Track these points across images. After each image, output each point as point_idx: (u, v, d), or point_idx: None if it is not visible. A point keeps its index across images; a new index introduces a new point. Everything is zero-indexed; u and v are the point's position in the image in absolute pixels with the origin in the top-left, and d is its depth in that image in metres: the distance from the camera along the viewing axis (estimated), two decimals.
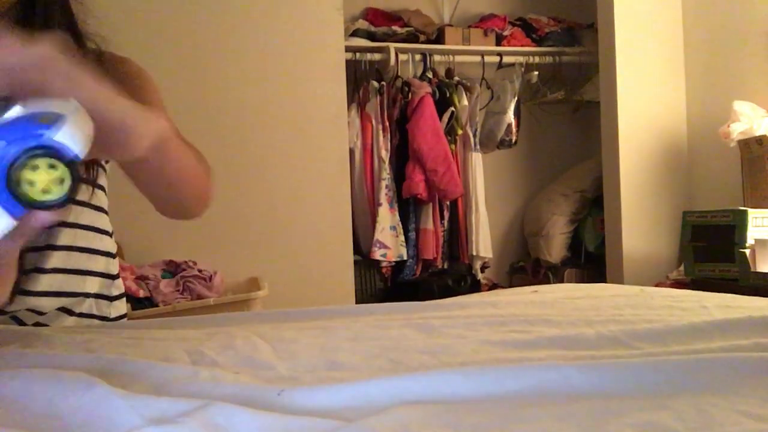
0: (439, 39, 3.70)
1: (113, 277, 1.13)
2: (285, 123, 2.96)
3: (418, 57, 3.64)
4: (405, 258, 3.47)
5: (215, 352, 0.77)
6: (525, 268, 4.01)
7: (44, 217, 0.50)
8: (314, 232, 2.98)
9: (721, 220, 2.63)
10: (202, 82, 2.85)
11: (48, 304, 1.03)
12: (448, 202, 3.59)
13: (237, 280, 2.76)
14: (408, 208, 3.53)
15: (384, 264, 3.46)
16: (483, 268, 3.72)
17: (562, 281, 3.73)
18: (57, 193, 0.48)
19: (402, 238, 3.47)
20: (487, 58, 3.72)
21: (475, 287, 3.59)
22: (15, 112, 0.49)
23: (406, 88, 3.50)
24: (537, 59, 3.81)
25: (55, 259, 1.02)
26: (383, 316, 1.00)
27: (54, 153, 0.47)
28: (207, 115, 2.86)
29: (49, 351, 0.77)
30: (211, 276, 2.60)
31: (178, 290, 2.50)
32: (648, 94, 3.25)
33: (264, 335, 0.84)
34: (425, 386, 0.63)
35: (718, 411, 0.57)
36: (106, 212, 1.11)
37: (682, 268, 2.90)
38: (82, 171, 0.63)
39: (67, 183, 0.48)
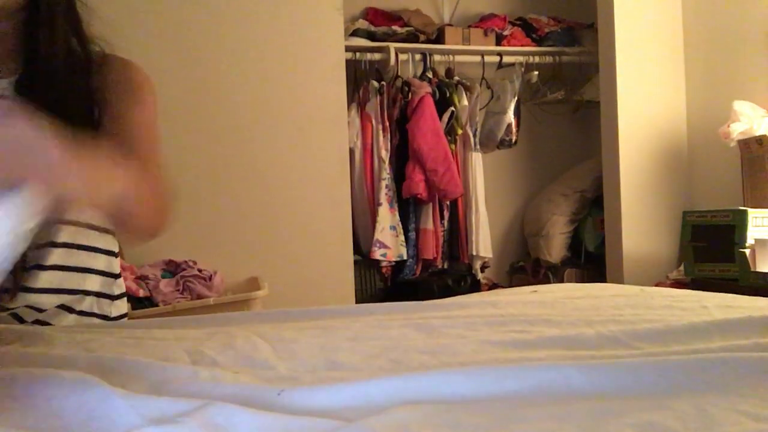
0: (439, 39, 3.70)
1: (115, 276, 1.13)
2: (285, 123, 2.96)
3: (418, 57, 3.64)
4: (405, 258, 3.47)
5: (215, 352, 0.77)
6: (525, 268, 4.01)
7: None
8: (314, 232, 2.98)
9: (721, 220, 2.63)
10: (201, 81, 2.85)
11: (48, 301, 1.03)
12: (448, 202, 3.59)
13: (237, 279, 2.76)
14: (408, 208, 3.53)
15: (384, 264, 3.45)
16: (483, 268, 3.72)
17: (562, 281, 3.73)
18: None
19: (402, 237, 3.47)
20: (487, 58, 3.72)
21: (475, 287, 3.59)
22: None
23: (406, 88, 3.50)
24: (537, 59, 3.81)
25: (55, 256, 1.02)
26: (383, 316, 1.00)
27: None
28: (207, 115, 2.86)
29: (50, 350, 0.77)
30: (211, 276, 2.60)
31: (178, 290, 2.50)
32: (648, 94, 3.24)
33: (264, 335, 0.84)
34: (425, 386, 0.63)
35: (718, 411, 0.57)
36: None
37: (682, 268, 2.90)
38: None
39: None
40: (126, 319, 1.18)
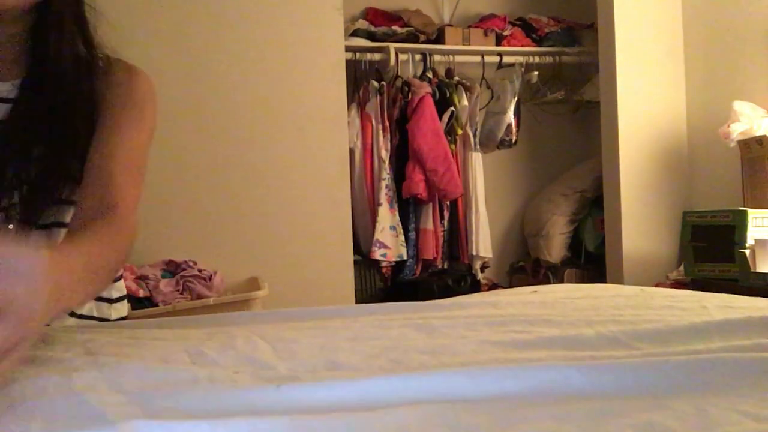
0: (439, 39, 3.70)
1: (113, 280, 1.12)
2: (285, 123, 2.96)
3: (418, 57, 3.64)
4: (405, 258, 3.47)
5: (215, 352, 0.77)
6: (525, 268, 4.01)
7: None
8: (314, 232, 2.98)
9: (721, 221, 2.63)
10: (201, 82, 2.85)
11: None
12: (448, 202, 3.59)
13: (237, 279, 2.76)
14: (408, 208, 3.53)
15: (384, 264, 3.45)
16: (483, 268, 3.72)
17: (561, 281, 3.73)
18: None
19: (402, 238, 3.47)
20: (487, 58, 3.72)
21: (475, 287, 3.59)
22: None
23: (406, 88, 3.50)
24: (537, 59, 3.81)
25: None
26: (383, 316, 1.00)
27: None
28: (207, 115, 2.86)
29: (49, 350, 0.77)
30: (211, 276, 2.60)
31: (178, 290, 2.50)
32: (648, 94, 3.24)
33: (264, 335, 0.84)
34: (425, 386, 0.63)
35: (718, 411, 0.57)
36: None
37: (682, 268, 2.90)
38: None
39: None
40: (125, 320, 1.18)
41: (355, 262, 3.16)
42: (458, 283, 3.49)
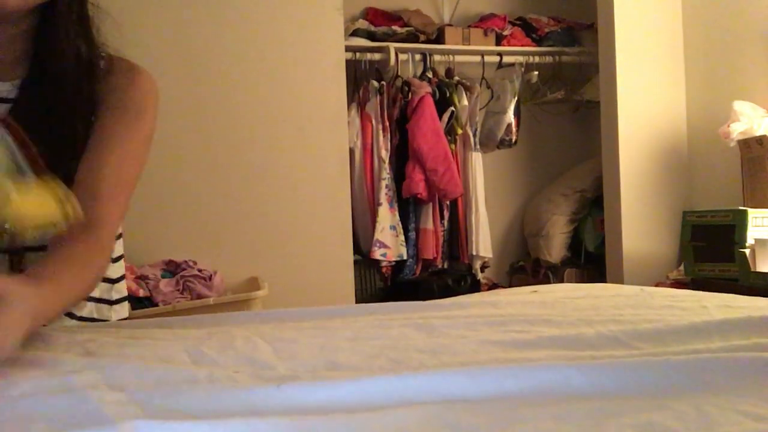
0: (439, 39, 3.70)
1: (112, 281, 1.12)
2: (285, 123, 2.95)
3: (418, 57, 3.64)
4: (405, 258, 3.47)
5: (215, 352, 0.77)
6: (525, 267, 4.01)
7: None
8: (314, 232, 2.98)
9: (721, 220, 2.63)
10: (201, 82, 2.85)
11: None
12: (448, 202, 3.59)
13: (237, 279, 2.76)
14: (408, 208, 3.53)
15: (384, 264, 3.45)
16: (483, 268, 3.72)
17: (561, 281, 3.73)
18: None
19: (402, 237, 3.47)
20: (487, 58, 3.72)
21: (475, 287, 3.59)
22: None
23: (406, 88, 3.50)
24: (537, 59, 3.81)
25: None
26: (383, 316, 1.00)
27: None
28: (207, 115, 2.86)
29: (49, 351, 0.77)
30: (211, 276, 2.60)
31: (178, 290, 2.50)
32: (648, 93, 3.24)
33: (264, 335, 0.84)
34: (425, 386, 0.63)
35: (719, 411, 0.57)
36: None
37: (682, 267, 2.90)
38: None
39: None
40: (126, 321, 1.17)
41: (355, 262, 3.16)
42: (458, 283, 3.49)
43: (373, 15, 3.76)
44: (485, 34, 3.77)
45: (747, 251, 2.48)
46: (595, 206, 3.76)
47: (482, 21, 3.87)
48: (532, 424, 0.55)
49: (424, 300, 1.13)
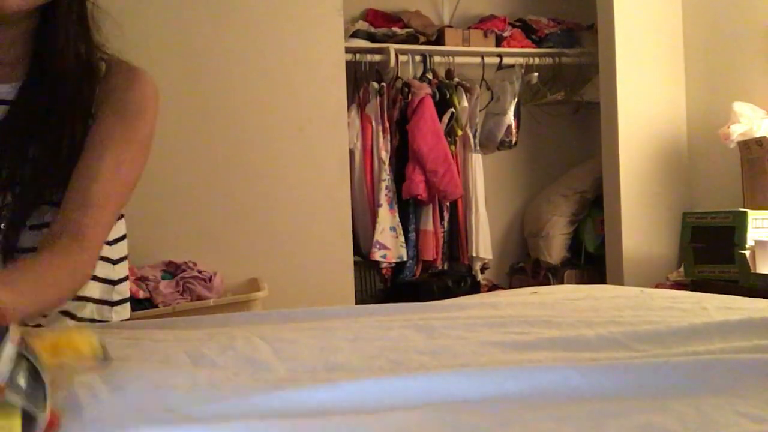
0: (439, 40, 3.70)
1: (114, 283, 1.12)
2: (285, 124, 2.95)
3: (418, 58, 3.63)
4: (405, 259, 3.47)
5: (215, 353, 0.76)
6: (525, 269, 4.01)
7: None
8: (314, 233, 2.98)
9: (721, 222, 2.63)
10: (201, 82, 2.85)
11: None
12: (448, 203, 3.59)
13: (237, 281, 2.76)
14: (408, 209, 3.53)
15: (384, 265, 3.45)
16: (483, 269, 3.72)
17: (561, 282, 3.73)
18: None
19: (402, 239, 3.47)
20: (487, 59, 3.72)
21: (475, 288, 3.58)
22: None
23: (406, 89, 3.50)
24: (537, 60, 3.81)
25: None
26: (383, 317, 1.00)
27: None
28: (207, 116, 2.86)
29: None
30: (211, 277, 2.60)
31: (178, 291, 2.50)
32: (648, 95, 3.24)
33: (264, 336, 0.84)
34: (425, 387, 0.63)
35: (718, 412, 0.57)
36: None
37: (681, 269, 2.90)
38: None
39: None
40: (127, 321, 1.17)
41: (355, 263, 3.16)
42: (458, 284, 3.49)
43: (373, 16, 3.76)
44: (485, 35, 3.77)
45: (747, 253, 2.48)
46: (595, 207, 3.76)
47: (482, 22, 3.87)
48: (532, 426, 0.55)
49: (424, 301, 1.13)
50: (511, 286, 3.93)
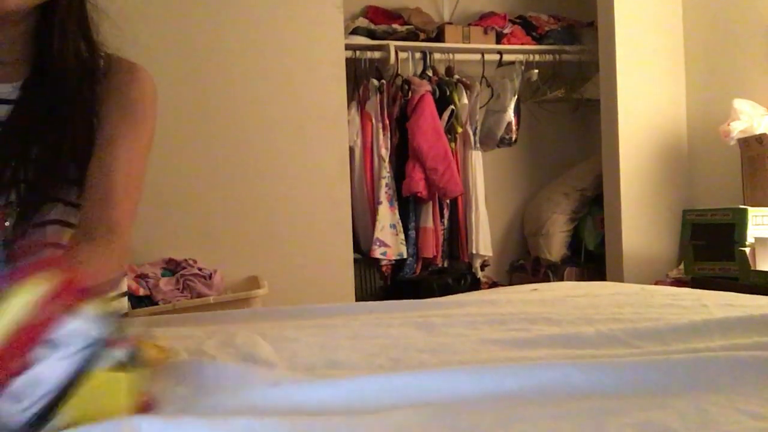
0: (439, 37, 3.70)
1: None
2: (285, 121, 2.95)
3: (418, 55, 3.63)
4: (405, 256, 3.47)
5: (216, 350, 0.77)
6: (525, 266, 4.01)
7: None
8: (314, 231, 2.98)
9: (721, 219, 2.63)
10: (201, 80, 2.85)
11: None
12: (448, 201, 3.59)
13: (237, 278, 2.76)
14: (408, 207, 3.53)
15: (384, 262, 3.45)
16: (483, 267, 3.72)
17: (562, 280, 3.73)
18: None
19: (402, 236, 3.47)
20: (487, 57, 3.71)
21: (475, 286, 3.58)
22: None
23: (406, 87, 3.50)
24: (537, 57, 3.81)
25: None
26: (383, 315, 1.00)
27: None
28: (207, 114, 2.86)
29: None
30: (211, 274, 2.60)
31: (178, 288, 2.50)
32: (648, 92, 3.24)
33: (264, 333, 0.84)
34: (425, 385, 0.63)
35: (718, 410, 0.57)
36: None
37: (682, 266, 2.90)
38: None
39: None
40: (125, 317, 1.17)
41: (355, 261, 3.16)
42: (458, 282, 3.49)
43: (373, 13, 3.75)
44: (485, 32, 3.76)
45: (747, 250, 2.48)
46: (595, 205, 3.76)
47: (482, 19, 3.87)
48: (532, 423, 0.55)
49: (424, 299, 1.13)
50: (511, 284, 3.93)
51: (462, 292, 2.79)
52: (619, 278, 3.14)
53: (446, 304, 1.08)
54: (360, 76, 3.52)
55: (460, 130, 3.58)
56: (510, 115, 3.70)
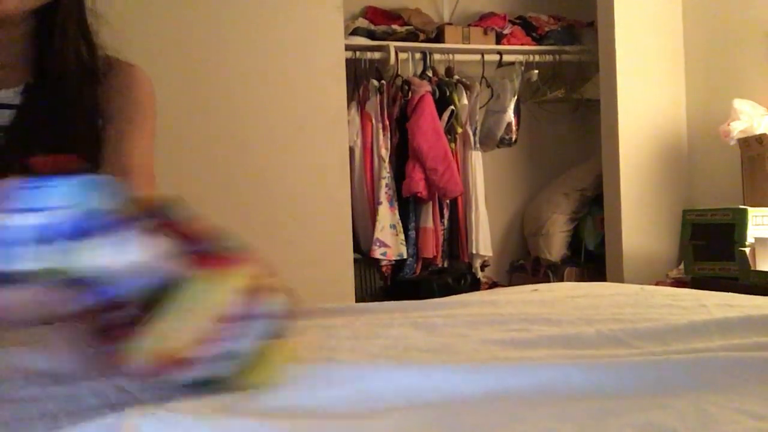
0: (439, 38, 3.70)
1: None
2: (285, 122, 2.95)
3: (418, 56, 3.63)
4: (405, 256, 3.47)
5: None
6: (525, 266, 4.01)
7: None
8: (314, 231, 2.98)
9: (721, 219, 2.63)
10: (201, 81, 2.85)
11: None
12: (448, 201, 3.59)
13: None
14: (408, 207, 3.53)
15: (384, 262, 3.45)
16: (483, 267, 3.72)
17: (562, 280, 3.73)
18: None
19: (402, 236, 3.47)
20: (486, 57, 3.71)
21: (475, 286, 3.58)
22: None
23: (406, 87, 3.50)
24: (537, 58, 3.81)
25: None
26: (383, 315, 1.00)
27: None
28: (207, 115, 2.86)
29: (48, 345, 0.77)
30: None
31: None
32: (648, 92, 3.24)
33: None
34: (426, 385, 0.63)
35: (718, 410, 0.57)
36: None
37: (682, 266, 2.90)
38: None
39: None
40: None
41: (355, 261, 3.16)
42: (458, 282, 3.49)
43: (372, 14, 3.76)
44: (485, 32, 3.77)
45: (747, 250, 2.48)
46: (595, 205, 3.76)
47: (482, 20, 3.87)
48: (532, 423, 0.55)
49: (424, 299, 1.13)
50: (511, 284, 3.93)
51: (462, 292, 2.80)
52: (619, 278, 3.14)
53: (446, 305, 1.08)
54: (360, 77, 3.52)
55: (460, 130, 3.58)
56: (510, 115, 3.70)
